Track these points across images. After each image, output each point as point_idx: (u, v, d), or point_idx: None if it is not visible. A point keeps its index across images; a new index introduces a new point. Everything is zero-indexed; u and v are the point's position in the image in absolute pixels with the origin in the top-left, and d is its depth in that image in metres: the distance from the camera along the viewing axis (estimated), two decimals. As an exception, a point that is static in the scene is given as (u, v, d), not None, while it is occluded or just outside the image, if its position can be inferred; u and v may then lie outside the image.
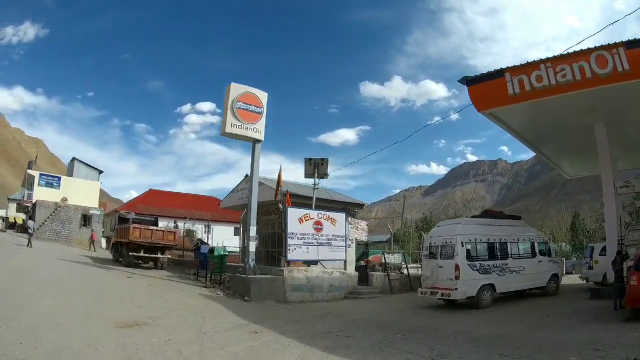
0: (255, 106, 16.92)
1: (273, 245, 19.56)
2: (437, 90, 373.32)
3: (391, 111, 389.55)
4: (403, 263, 20.93)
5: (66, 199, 37.84)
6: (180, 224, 35.99)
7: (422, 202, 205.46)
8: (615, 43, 10.67)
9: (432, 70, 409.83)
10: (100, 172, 44.17)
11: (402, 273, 19.82)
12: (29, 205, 38.36)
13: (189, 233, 38.18)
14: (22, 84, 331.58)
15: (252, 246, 16.29)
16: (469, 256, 13.11)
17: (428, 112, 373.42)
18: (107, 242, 34.76)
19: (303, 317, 11.79)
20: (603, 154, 13.63)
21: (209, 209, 43.33)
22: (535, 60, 12.18)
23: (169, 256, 22.48)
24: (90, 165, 43.37)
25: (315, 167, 18.27)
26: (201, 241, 28.90)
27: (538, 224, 39.52)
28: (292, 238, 15.96)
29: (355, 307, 14.45)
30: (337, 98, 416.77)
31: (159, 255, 21.04)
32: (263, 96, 17.27)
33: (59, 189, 39.00)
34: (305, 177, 18.66)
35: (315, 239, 16.57)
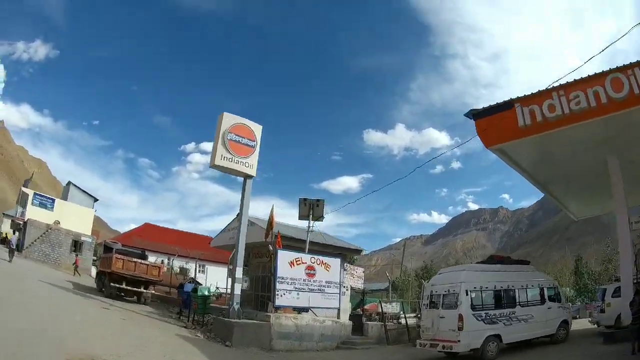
0: (248, 139, 16.33)
1: (263, 290, 18.41)
2: (440, 138, 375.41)
3: (394, 160, 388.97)
4: (401, 312, 19.81)
5: (59, 222, 37.06)
6: (175, 261, 34.88)
7: (423, 251, 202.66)
8: (631, 63, 10.14)
9: (435, 118, 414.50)
10: (96, 199, 43.66)
11: (400, 323, 18.70)
12: (21, 223, 37.49)
13: (183, 271, 36.97)
14: (30, 102, 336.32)
15: (238, 288, 15.29)
16: (474, 305, 12.13)
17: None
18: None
19: (286, 371, 10.67)
20: (616, 188, 12.78)
21: (204, 248, 42.17)
22: (547, 88, 11.48)
23: (153, 291, 21.32)
24: (85, 192, 42.90)
25: (311, 209, 17.42)
26: (194, 280, 27.83)
27: (540, 270, 38.50)
28: (282, 282, 14.96)
29: (346, 358, 13.45)
30: (341, 145, 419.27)
31: (142, 290, 19.92)
32: (257, 129, 16.71)
33: (52, 210, 38.34)
34: (300, 218, 17.79)
35: (307, 284, 15.54)
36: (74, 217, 38.14)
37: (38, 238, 34.62)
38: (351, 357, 13.69)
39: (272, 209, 16.86)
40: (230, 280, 16.93)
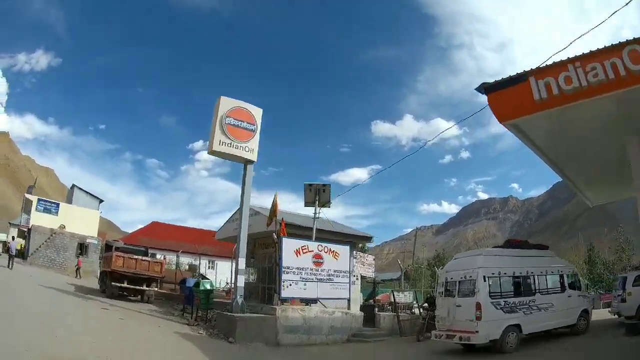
0: (247, 123, 15.43)
1: (270, 281, 17.53)
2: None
3: (402, 150, 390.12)
4: (414, 302, 18.88)
5: (64, 226, 36.68)
6: (183, 258, 34.21)
7: (434, 241, 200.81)
8: None
9: (442, 109, 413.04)
10: (101, 201, 43.20)
11: (413, 313, 17.80)
12: (25, 230, 37.12)
13: (192, 268, 36.43)
14: (34, 112, 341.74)
15: (241, 280, 14.43)
16: (492, 293, 11.13)
17: (439, 149, 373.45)
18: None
19: (293, 366, 9.85)
20: (637, 172, 11.80)
21: (213, 244, 41.62)
22: (562, 60, 10.64)
23: (156, 289, 20.61)
24: (90, 194, 42.38)
25: (317, 194, 16.53)
26: (202, 276, 27.17)
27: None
28: (287, 273, 14.03)
29: (358, 352, 12.64)
30: (349, 137, 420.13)
31: (144, 288, 19.19)
32: (257, 112, 15.81)
33: (57, 215, 37.91)
34: (305, 205, 16.90)
35: (314, 274, 14.58)
36: (79, 220, 37.63)
37: (43, 244, 34.28)
38: (362, 350, 12.82)
39: (276, 196, 15.97)
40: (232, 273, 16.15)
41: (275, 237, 14.87)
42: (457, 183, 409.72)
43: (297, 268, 14.24)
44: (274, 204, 15.78)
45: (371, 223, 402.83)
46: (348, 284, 15.39)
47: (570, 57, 10.67)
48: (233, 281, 15.93)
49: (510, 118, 11.80)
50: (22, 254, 36.34)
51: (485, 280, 11.06)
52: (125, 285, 18.65)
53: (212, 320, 14.72)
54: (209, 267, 43.45)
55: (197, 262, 37.15)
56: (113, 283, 18.51)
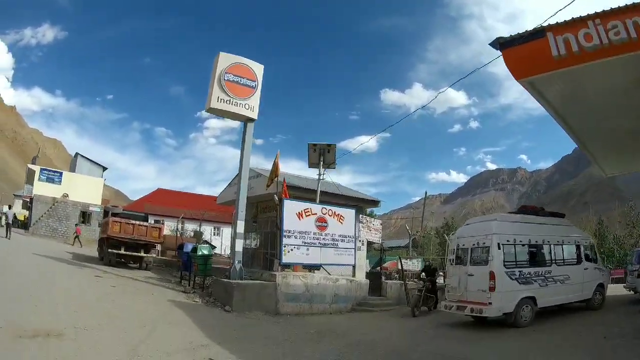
0: (247, 79, 14.30)
1: (272, 247, 16.70)
2: (458, 97, 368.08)
3: (411, 118, 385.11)
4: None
5: (67, 195, 36.22)
6: (188, 225, 33.59)
7: (442, 210, 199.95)
8: None
9: (452, 78, 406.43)
10: (105, 168, 42.54)
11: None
12: (28, 200, 36.71)
13: (197, 234, 35.97)
14: (41, 85, 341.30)
15: (239, 245, 13.57)
16: (506, 262, 10.21)
17: (448, 119, 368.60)
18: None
19: (291, 337, 9.05)
20: None
21: (219, 209, 41.04)
22: (582, 16, 9.44)
23: (155, 255, 19.90)
24: (93, 161, 41.74)
25: (321, 155, 15.49)
26: (207, 242, 26.57)
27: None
28: (289, 237, 13.15)
29: (362, 322, 11.77)
30: (358, 105, 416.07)
31: (142, 254, 18.45)
32: (258, 68, 14.66)
33: (60, 184, 37.38)
34: (310, 166, 15.92)
35: (318, 238, 13.70)
36: (82, 189, 37.14)
37: (45, 213, 33.79)
38: (367, 321, 12.01)
39: (277, 154, 14.91)
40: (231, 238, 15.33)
41: (277, 199, 13.93)
42: (466, 152, 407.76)
43: (299, 232, 13.39)
44: (275, 163, 14.73)
45: (379, 191, 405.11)
46: (353, 250, 14.53)
47: (589, 13, 9.57)
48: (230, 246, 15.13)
49: (526, 75, 10.72)
50: (25, 224, 36.04)
51: (499, 248, 10.18)
52: (122, 252, 17.91)
53: (209, 287, 13.99)
54: (214, 234, 43.06)
55: (202, 229, 36.66)
56: (110, 250, 17.77)
